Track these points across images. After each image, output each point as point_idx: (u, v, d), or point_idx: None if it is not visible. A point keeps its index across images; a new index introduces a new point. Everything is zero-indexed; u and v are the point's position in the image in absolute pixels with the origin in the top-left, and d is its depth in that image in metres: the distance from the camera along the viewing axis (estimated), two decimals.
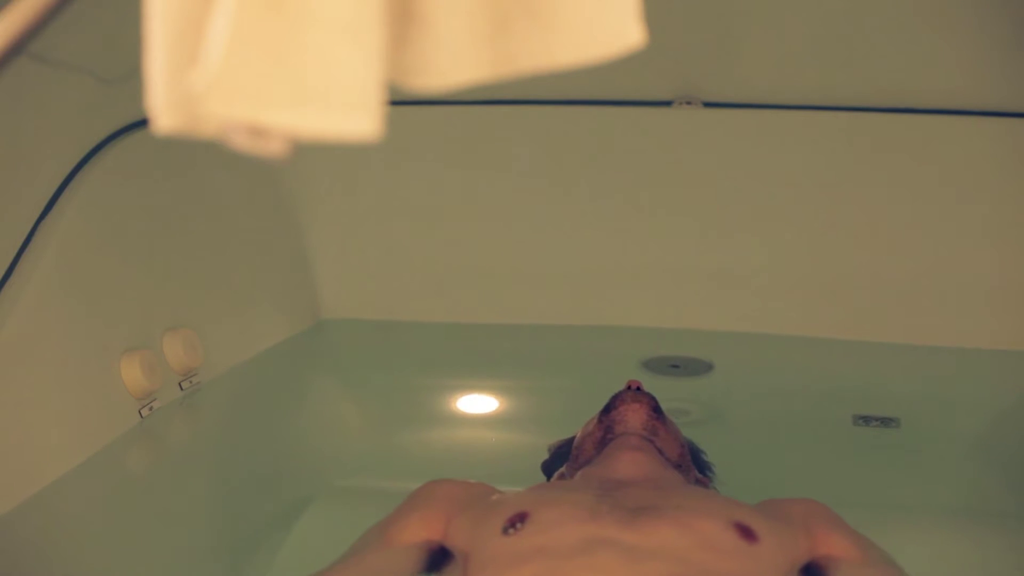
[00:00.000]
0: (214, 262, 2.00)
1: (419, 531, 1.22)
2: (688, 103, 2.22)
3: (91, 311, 1.61)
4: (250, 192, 2.13)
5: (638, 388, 1.47)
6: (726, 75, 2.22)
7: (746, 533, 1.11)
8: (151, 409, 1.69)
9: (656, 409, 1.43)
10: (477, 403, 2.20)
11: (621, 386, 1.49)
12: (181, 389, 1.80)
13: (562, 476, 1.46)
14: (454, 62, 0.52)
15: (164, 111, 0.49)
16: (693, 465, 1.44)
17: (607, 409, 1.43)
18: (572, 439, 1.50)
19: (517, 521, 1.12)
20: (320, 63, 0.46)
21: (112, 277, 1.68)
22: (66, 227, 1.55)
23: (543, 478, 1.54)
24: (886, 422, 1.92)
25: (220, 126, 0.48)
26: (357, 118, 0.47)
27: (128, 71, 1.59)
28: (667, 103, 2.23)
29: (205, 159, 1.88)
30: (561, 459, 1.51)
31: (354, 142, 0.47)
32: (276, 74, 0.46)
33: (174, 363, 1.78)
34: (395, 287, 2.37)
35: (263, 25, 0.46)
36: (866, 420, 1.93)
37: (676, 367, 2.16)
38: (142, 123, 1.69)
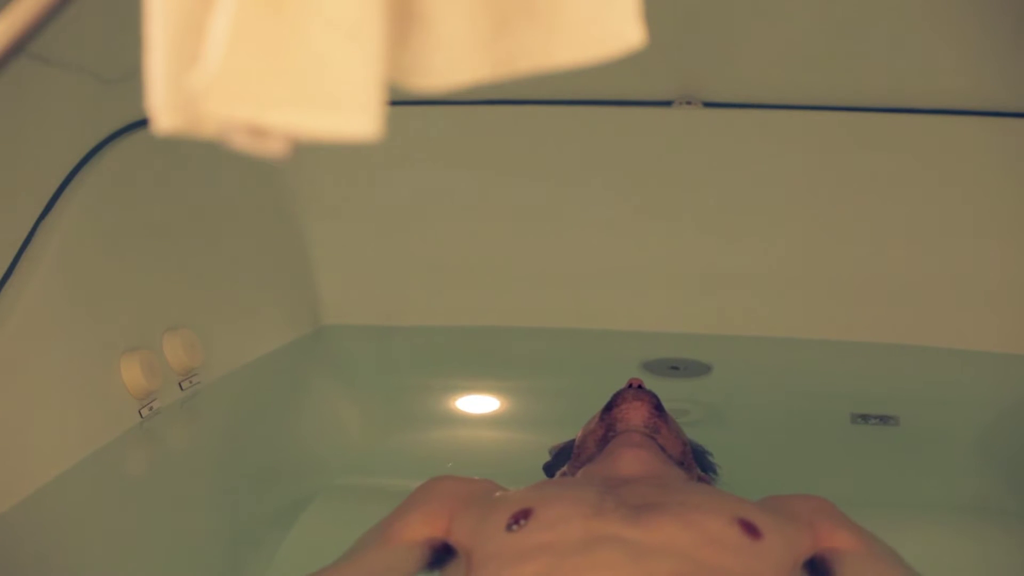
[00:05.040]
0: (214, 263, 2.00)
1: (422, 528, 1.22)
2: (688, 103, 2.22)
3: (91, 311, 1.61)
4: (251, 193, 2.13)
5: (640, 386, 1.48)
6: (726, 75, 2.22)
7: (750, 529, 1.11)
8: (151, 409, 1.69)
9: (658, 407, 1.43)
10: (478, 405, 2.20)
11: (622, 386, 1.49)
12: (181, 389, 1.80)
13: (564, 475, 1.46)
14: (454, 62, 0.52)
15: (164, 111, 0.49)
16: (695, 463, 1.45)
17: (609, 407, 1.43)
18: (573, 441, 1.50)
19: (521, 518, 1.12)
20: (320, 63, 0.46)
21: (112, 277, 1.67)
22: (66, 227, 1.55)
23: (544, 478, 1.54)
24: (884, 420, 1.93)
25: (220, 126, 0.48)
26: (357, 118, 0.47)
27: (128, 71, 1.59)
28: (667, 103, 2.23)
29: (206, 159, 1.88)
30: (563, 460, 1.51)
31: (354, 142, 0.47)
32: (276, 74, 0.46)
33: (174, 363, 1.78)
34: (396, 291, 2.36)
35: (263, 25, 0.46)
36: (864, 418, 1.93)
37: (676, 369, 2.17)
38: (142, 123, 1.69)
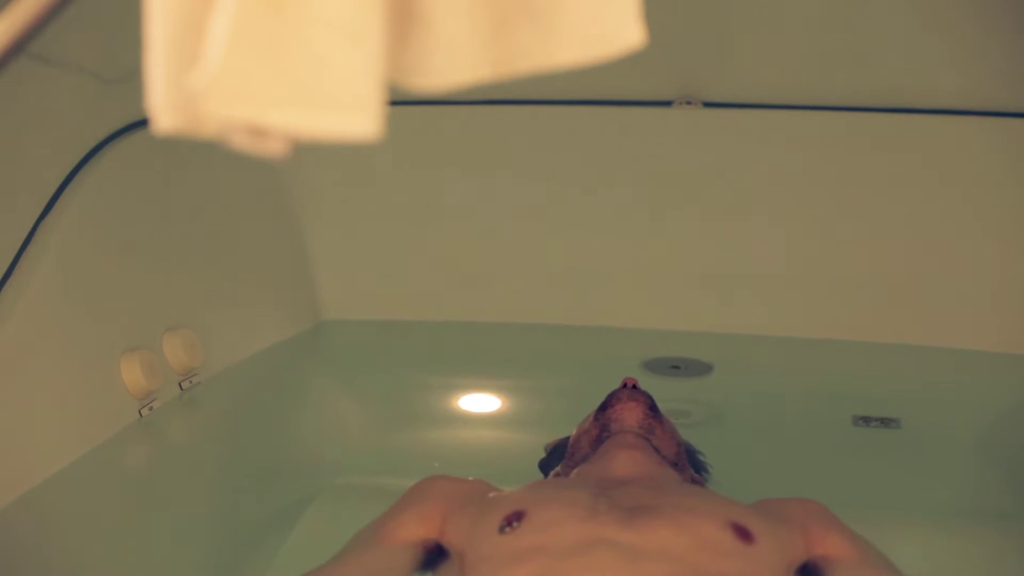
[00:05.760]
0: (214, 262, 2.00)
1: (415, 528, 1.22)
2: (688, 103, 2.22)
3: (91, 311, 1.61)
4: (251, 192, 2.13)
5: (634, 386, 1.47)
6: (726, 75, 2.22)
7: (743, 534, 1.10)
8: (151, 409, 1.69)
9: (652, 407, 1.42)
10: (478, 402, 2.20)
11: (617, 386, 1.48)
12: (181, 389, 1.80)
13: (558, 474, 1.45)
14: (454, 62, 0.52)
15: (164, 111, 0.49)
16: (689, 464, 1.44)
17: (603, 407, 1.43)
18: (568, 438, 1.49)
19: (514, 520, 1.12)
20: (320, 63, 0.46)
21: (112, 277, 1.68)
22: (66, 227, 1.55)
23: (540, 476, 1.54)
24: (886, 422, 1.92)
25: (220, 126, 0.48)
26: (357, 118, 0.47)
27: (128, 71, 1.59)
28: (667, 103, 2.23)
29: (205, 159, 1.88)
30: (558, 458, 1.51)
31: (354, 142, 0.47)
32: (276, 74, 0.46)
33: (174, 363, 1.78)
34: (395, 287, 2.37)
35: (263, 25, 0.46)
36: (866, 420, 1.93)
37: (676, 368, 2.16)
38: (142, 123, 1.69)
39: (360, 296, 2.35)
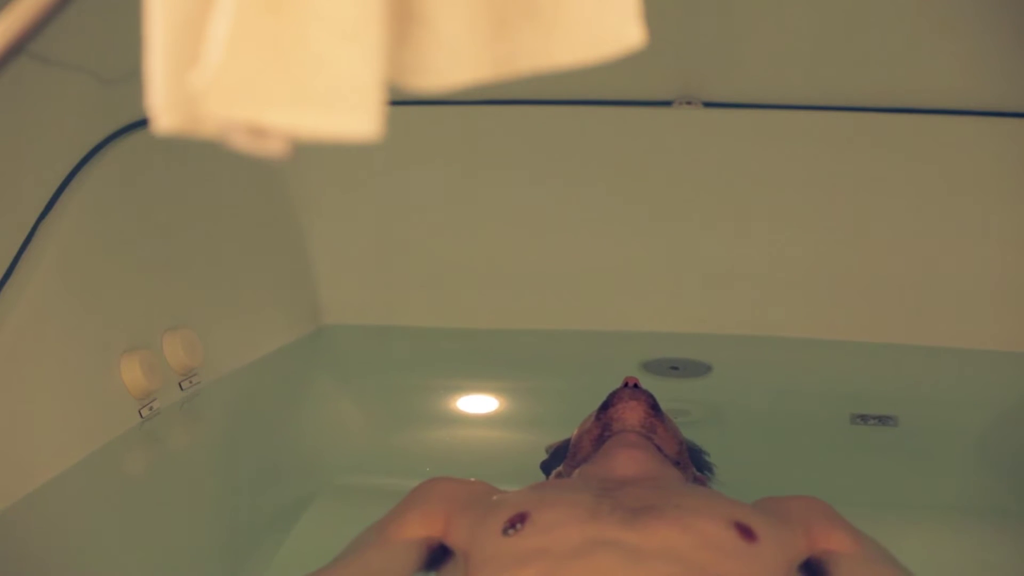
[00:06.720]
0: (214, 263, 2.00)
1: (419, 529, 1.22)
2: (688, 103, 2.22)
3: (91, 311, 1.61)
4: (251, 194, 2.13)
5: (635, 385, 1.47)
6: (726, 75, 2.22)
7: (746, 533, 1.11)
8: (151, 409, 1.69)
9: (654, 406, 1.42)
10: (477, 405, 2.20)
11: (618, 385, 1.48)
12: (181, 389, 1.80)
13: (559, 475, 1.45)
14: (454, 62, 0.52)
15: (164, 111, 0.49)
16: (692, 463, 1.44)
17: (604, 406, 1.43)
18: (569, 439, 1.49)
19: (517, 522, 1.12)
20: (320, 63, 0.46)
21: (112, 277, 1.67)
22: (66, 227, 1.55)
23: (543, 479, 1.54)
24: (883, 420, 1.93)
25: (220, 126, 0.48)
26: (357, 118, 0.47)
27: (128, 71, 1.59)
28: (667, 103, 2.23)
29: (206, 160, 1.88)
30: (559, 459, 1.51)
31: (354, 142, 0.47)
32: (276, 74, 0.46)
33: (174, 363, 1.78)
34: (396, 291, 2.36)
35: (263, 25, 0.46)
36: (863, 419, 1.93)
37: (675, 369, 2.16)
38: (142, 123, 1.69)
39: (360, 301, 2.35)
